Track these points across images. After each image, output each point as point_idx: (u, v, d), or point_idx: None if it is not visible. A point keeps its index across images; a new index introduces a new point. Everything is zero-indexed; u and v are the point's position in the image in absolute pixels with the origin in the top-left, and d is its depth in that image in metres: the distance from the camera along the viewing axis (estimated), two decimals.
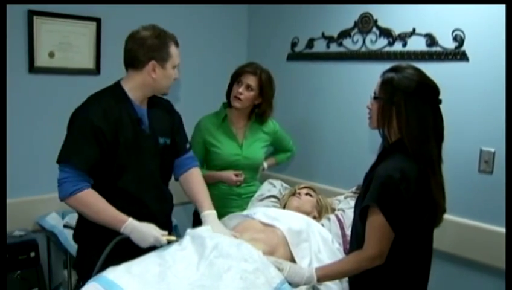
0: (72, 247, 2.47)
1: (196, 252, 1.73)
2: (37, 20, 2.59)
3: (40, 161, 2.67)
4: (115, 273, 1.57)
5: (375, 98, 1.72)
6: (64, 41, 2.72)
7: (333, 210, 2.52)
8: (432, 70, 1.75)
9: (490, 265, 2.35)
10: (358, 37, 2.87)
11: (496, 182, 2.32)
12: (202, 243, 1.74)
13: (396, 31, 2.67)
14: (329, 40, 3.02)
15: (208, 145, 2.60)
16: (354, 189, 2.61)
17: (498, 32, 2.23)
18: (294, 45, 3.25)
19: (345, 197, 2.60)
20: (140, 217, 1.87)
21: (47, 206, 2.69)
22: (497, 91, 2.27)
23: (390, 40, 2.70)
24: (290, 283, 1.69)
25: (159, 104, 2.09)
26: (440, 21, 2.47)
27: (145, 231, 1.84)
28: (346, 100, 2.94)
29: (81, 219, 2.00)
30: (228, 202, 2.62)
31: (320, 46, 3.09)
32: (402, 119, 1.64)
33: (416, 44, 2.58)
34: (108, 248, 1.79)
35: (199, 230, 1.87)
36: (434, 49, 2.51)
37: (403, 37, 2.64)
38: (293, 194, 2.57)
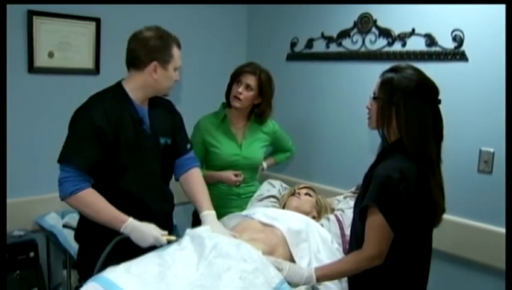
0: (72, 247, 2.47)
1: (195, 252, 1.73)
2: (37, 20, 2.59)
3: (39, 160, 2.67)
4: (115, 273, 1.57)
5: (374, 98, 1.72)
6: (63, 41, 2.72)
7: (332, 210, 2.52)
8: (431, 70, 1.75)
9: (489, 265, 2.35)
10: (357, 37, 2.87)
11: (495, 182, 2.32)
12: (201, 243, 1.74)
13: (396, 31, 2.67)
14: (329, 40, 3.02)
15: (207, 145, 2.60)
16: (353, 189, 2.62)
17: (497, 32, 2.23)
18: (293, 45, 3.25)
19: (345, 197, 2.60)
20: (141, 217, 1.88)
21: (46, 206, 2.70)
22: (496, 91, 2.27)
23: (390, 40, 2.70)
24: (289, 283, 1.69)
25: (160, 104, 2.09)
26: (439, 21, 2.48)
27: (145, 230, 1.84)
28: (346, 100, 2.94)
29: (82, 219, 2.00)
30: (227, 202, 2.62)
31: (319, 46, 3.09)
32: (401, 120, 1.64)
33: (416, 44, 2.58)
34: (108, 248, 1.79)
35: (198, 230, 1.87)
36: (433, 49, 2.51)
37: (403, 37, 2.64)
38: (293, 194, 2.57)
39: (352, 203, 2.22)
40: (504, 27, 2.13)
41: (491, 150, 2.34)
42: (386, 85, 1.68)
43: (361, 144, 2.83)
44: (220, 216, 2.15)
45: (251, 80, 2.54)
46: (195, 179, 2.17)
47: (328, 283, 1.86)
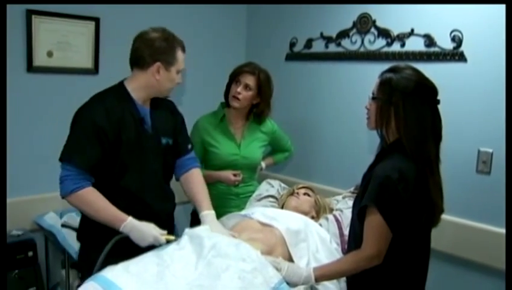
0: (70, 246, 2.48)
1: (194, 251, 1.73)
2: (36, 20, 2.59)
3: (38, 160, 2.67)
4: (113, 273, 1.57)
5: (373, 98, 1.72)
6: (62, 40, 2.72)
7: (331, 210, 2.52)
8: (430, 70, 1.75)
9: (488, 265, 2.36)
10: (356, 38, 2.87)
11: (493, 183, 2.32)
12: (200, 242, 1.74)
13: (395, 32, 2.67)
14: (328, 40, 3.02)
15: (206, 145, 2.60)
16: (352, 189, 2.62)
17: (496, 32, 2.23)
18: (292, 45, 3.25)
19: (343, 197, 2.60)
20: (142, 216, 1.88)
21: (45, 205, 2.70)
22: (495, 92, 2.27)
23: (389, 40, 2.70)
24: (288, 283, 1.69)
25: (162, 105, 2.10)
26: (438, 22, 2.48)
27: (144, 230, 1.85)
28: (345, 100, 2.95)
29: (84, 218, 2.01)
30: (226, 201, 2.62)
31: (318, 46, 3.10)
32: (400, 120, 1.64)
33: (415, 44, 2.59)
34: (108, 247, 1.80)
35: (197, 230, 1.87)
36: (432, 49, 2.51)
37: (402, 38, 2.64)
38: (291, 194, 2.57)
39: (351, 203, 2.23)
40: (503, 27, 2.13)
41: (490, 150, 2.34)
42: (385, 85, 1.68)
43: (360, 144, 2.83)
44: (218, 216, 2.15)
45: (250, 80, 2.54)
46: (195, 179, 2.17)
47: (326, 283, 1.86)
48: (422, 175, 1.64)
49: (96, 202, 1.86)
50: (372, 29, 2.78)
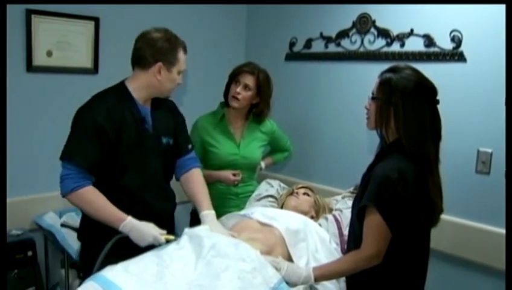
0: (70, 246, 2.48)
1: (194, 251, 1.73)
2: (35, 19, 2.59)
3: (37, 160, 2.67)
4: (113, 273, 1.57)
5: (373, 98, 1.72)
6: (62, 40, 2.71)
7: (331, 210, 2.52)
8: (429, 70, 1.75)
9: (487, 265, 2.36)
10: (356, 38, 2.87)
11: (492, 183, 2.33)
12: (200, 242, 1.74)
13: (395, 32, 2.68)
14: (328, 40, 3.02)
15: (205, 144, 2.60)
16: (351, 189, 2.62)
17: (496, 33, 2.24)
18: (292, 45, 3.25)
19: (343, 197, 2.60)
20: (143, 216, 1.89)
21: (44, 205, 2.70)
22: (494, 92, 2.27)
23: (388, 40, 2.70)
24: (287, 283, 1.69)
25: (163, 105, 2.10)
26: (438, 22, 2.48)
27: (143, 229, 1.85)
28: (344, 100, 2.95)
29: (85, 218, 2.02)
30: (226, 201, 2.62)
31: (318, 46, 3.10)
32: (400, 120, 1.64)
33: (414, 44, 2.59)
34: (107, 246, 1.80)
35: (197, 230, 1.87)
36: (432, 49, 2.52)
37: (401, 38, 2.64)
38: (291, 193, 2.57)
39: (350, 203, 2.23)
40: (502, 27, 2.12)
41: (489, 150, 2.34)
42: (385, 85, 1.68)
43: (360, 144, 2.83)
44: (218, 216, 2.15)
45: (249, 80, 2.54)
46: (195, 179, 2.18)
47: (326, 283, 1.87)
48: (422, 175, 1.64)
49: (96, 201, 1.86)
50: (372, 29, 2.78)
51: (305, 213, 2.39)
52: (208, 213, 2.06)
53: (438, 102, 1.69)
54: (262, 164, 2.81)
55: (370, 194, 1.63)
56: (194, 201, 2.16)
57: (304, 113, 3.21)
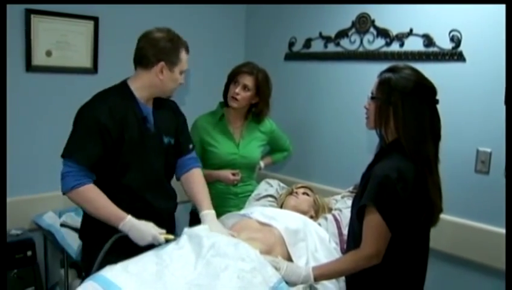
0: (69, 246, 2.48)
1: (193, 251, 1.73)
2: (35, 19, 2.59)
3: (37, 160, 2.67)
4: (112, 272, 1.57)
5: (372, 98, 1.73)
6: (61, 40, 2.71)
7: (330, 210, 2.52)
8: (429, 70, 1.75)
9: (486, 265, 2.36)
10: (355, 37, 2.87)
11: (492, 182, 2.33)
12: (199, 242, 1.74)
13: (394, 32, 2.68)
14: (327, 40, 3.03)
15: (204, 144, 2.60)
16: (351, 188, 2.62)
17: (495, 32, 2.24)
18: (291, 44, 3.25)
19: (342, 197, 2.60)
20: (144, 215, 1.89)
21: (44, 205, 2.70)
22: (493, 91, 2.28)
23: (388, 40, 2.70)
24: (287, 282, 1.69)
25: (164, 104, 2.11)
26: (437, 21, 2.48)
27: (143, 229, 1.85)
28: (344, 100, 2.95)
29: (86, 217, 2.02)
30: (225, 201, 2.62)
31: (317, 46, 3.10)
32: (399, 119, 1.64)
33: (414, 44, 2.59)
34: (107, 246, 1.81)
35: (196, 229, 1.87)
36: (431, 49, 2.52)
37: (400, 38, 2.64)
38: (290, 193, 2.57)
39: (349, 202, 2.23)
40: (502, 27, 2.12)
41: (488, 150, 2.34)
42: (384, 85, 1.68)
43: (359, 143, 2.83)
44: (218, 215, 2.15)
45: (248, 80, 2.54)
46: (196, 179, 2.18)
47: (325, 282, 1.87)
48: (421, 175, 1.64)
49: (96, 199, 1.87)
50: (371, 29, 2.78)
51: (304, 213, 2.39)
52: (208, 213, 2.06)
53: (437, 102, 1.70)
54: (262, 164, 2.81)
55: (369, 193, 1.63)
56: (194, 201, 2.16)
57: (303, 113, 3.21)
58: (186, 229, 1.87)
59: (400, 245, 1.67)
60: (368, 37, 2.80)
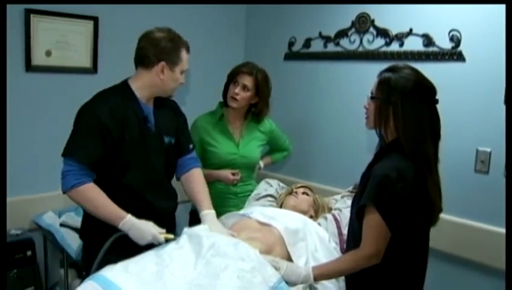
0: (69, 246, 2.48)
1: (193, 251, 1.73)
2: (34, 19, 2.58)
3: (36, 160, 2.67)
4: (112, 272, 1.57)
5: (372, 97, 1.73)
6: (61, 40, 2.71)
7: (330, 209, 2.52)
8: (428, 70, 1.75)
9: (486, 264, 2.36)
10: (355, 37, 2.87)
11: (492, 182, 2.33)
12: (199, 242, 1.75)
13: (393, 31, 2.68)
14: (327, 39, 3.03)
15: (204, 144, 2.60)
16: (350, 188, 2.62)
17: (494, 32, 2.24)
18: (291, 44, 3.25)
19: (342, 197, 2.60)
20: (144, 214, 1.90)
21: (44, 205, 2.70)
22: (493, 91, 2.28)
23: (387, 40, 2.70)
24: (286, 282, 1.69)
25: (165, 104, 2.12)
26: (437, 21, 2.48)
27: (143, 228, 1.85)
28: (343, 100, 2.95)
29: (86, 216, 2.02)
30: (225, 201, 2.62)
31: (317, 46, 3.10)
32: (399, 119, 1.64)
33: (413, 44, 2.59)
34: (106, 245, 1.81)
35: (196, 229, 1.87)
36: (431, 49, 2.52)
37: (400, 37, 2.65)
38: (290, 193, 2.57)
39: (349, 202, 2.23)
40: (501, 27, 2.13)
41: (488, 149, 2.35)
42: (384, 85, 1.68)
43: (359, 143, 2.83)
44: (217, 215, 2.15)
45: (248, 81, 2.54)
46: (196, 179, 2.18)
47: (325, 282, 1.87)
48: (421, 174, 1.64)
49: (97, 198, 1.87)
50: (371, 29, 2.78)
51: (304, 212, 2.39)
52: (208, 213, 2.06)
53: (437, 101, 1.70)
54: (261, 164, 2.82)
55: (369, 193, 1.63)
56: (194, 201, 2.17)
57: (303, 112, 3.21)
58: (186, 229, 1.87)
59: (400, 245, 1.67)
60: (368, 36, 2.80)
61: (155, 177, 2.05)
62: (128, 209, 1.87)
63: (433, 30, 2.50)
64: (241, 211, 2.34)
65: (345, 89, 2.94)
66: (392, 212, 1.61)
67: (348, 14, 2.87)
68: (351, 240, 1.80)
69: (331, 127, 3.06)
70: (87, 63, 2.83)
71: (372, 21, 2.77)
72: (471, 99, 2.38)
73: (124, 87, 1.98)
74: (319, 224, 2.31)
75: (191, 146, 2.23)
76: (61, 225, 2.59)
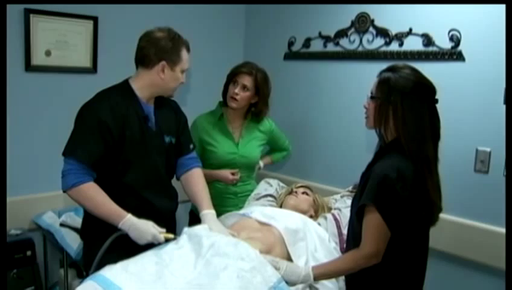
0: (69, 246, 2.48)
1: (193, 250, 1.73)
2: (34, 19, 2.58)
3: (36, 159, 2.67)
4: (112, 272, 1.57)
5: (371, 97, 1.73)
6: (61, 39, 2.71)
7: (330, 209, 2.52)
8: (428, 70, 1.75)
9: (486, 264, 2.36)
10: (355, 37, 2.87)
11: (491, 182, 2.33)
12: (199, 241, 1.75)
13: (393, 31, 2.68)
14: (326, 39, 3.03)
15: (204, 144, 2.60)
16: (350, 188, 2.62)
17: (494, 32, 2.24)
18: (291, 44, 3.25)
19: (342, 196, 2.60)
20: (145, 214, 1.90)
21: (43, 205, 2.70)
22: (493, 91, 2.28)
23: (387, 39, 2.70)
24: (286, 282, 1.69)
25: (166, 104, 2.12)
26: (436, 21, 2.48)
27: (143, 228, 1.86)
28: (343, 99, 2.95)
29: (87, 216, 2.03)
30: (224, 200, 2.62)
31: (317, 46, 3.10)
32: (398, 119, 1.64)
33: (413, 44, 2.59)
34: (106, 243, 1.81)
35: (196, 229, 1.87)
36: (430, 49, 2.52)
37: (400, 37, 2.65)
38: (290, 193, 2.57)
39: (349, 202, 2.23)
40: (501, 27, 2.13)
41: (488, 149, 2.35)
42: (384, 84, 1.68)
43: (359, 143, 2.83)
44: (217, 215, 2.15)
45: (247, 81, 2.54)
46: (196, 179, 2.18)
47: (325, 282, 1.87)
48: (421, 174, 1.64)
49: (97, 197, 1.87)
50: (371, 29, 2.78)
51: (304, 212, 2.39)
52: (208, 212, 2.06)
53: (436, 101, 1.70)
54: (261, 163, 2.81)
55: (369, 193, 1.63)
56: (194, 200, 2.17)
57: (303, 112, 3.22)
58: (186, 229, 1.87)
59: (400, 245, 1.67)
60: (367, 36, 2.80)
61: (156, 177, 2.05)
62: (128, 209, 1.88)
63: (433, 30, 2.50)
64: (241, 211, 2.34)
65: (344, 88, 2.94)
66: (391, 212, 1.61)
67: (348, 14, 2.88)
68: (351, 239, 1.80)
69: (331, 127, 3.06)
70: (86, 62, 2.83)
71: (372, 21, 2.77)
72: (471, 99, 2.39)
73: (124, 87, 1.98)
74: (319, 224, 2.31)
75: (191, 146, 2.23)
76: (61, 224, 2.59)
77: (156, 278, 1.58)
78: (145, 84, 1.97)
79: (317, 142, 3.15)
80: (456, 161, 2.39)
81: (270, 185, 2.71)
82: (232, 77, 2.57)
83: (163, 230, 1.91)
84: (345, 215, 2.30)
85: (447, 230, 2.39)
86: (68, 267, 2.62)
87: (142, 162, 1.98)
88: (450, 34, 2.43)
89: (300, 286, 1.75)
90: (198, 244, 1.74)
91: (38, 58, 2.64)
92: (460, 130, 2.40)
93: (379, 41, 2.75)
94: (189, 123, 2.58)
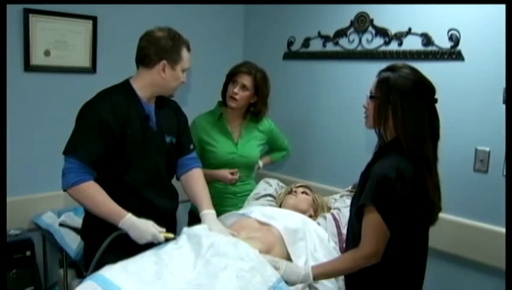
0: (68, 246, 2.48)
1: (192, 250, 1.73)
2: (33, 19, 2.58)
3: (35, 159, 2.67)
4: (111, 272, 1.57)
5: (371, 97, 1.73)
6: (60, 39, 2.71)
7: (329, 209, 2.53)
8: (427, 69, 1.75)
9: (485, 264, 2.36)
10: (354, 37, 2.87)
11: (491, 181, 2.33)
12: (198, 241, 1.75)
13: (392, 31, 2.68)
14: (326, 39, 3.03)
15: (203, 143, 2.60)
16: (349, 188, 2.62)
17: (494, 32, 2.24)
18: (290, 44, 3.25)
19: (341, 196, 2.60)
20: (145, 213, 1.90)
21: (43, 205, 2.70)
22: (492, 90, 2.28)
23: (386, 39, 2.70)
24: (286, 282, 1.69)
25: (166, 104, 2.13)
26: (436, 21, 2.48)
27: (143, 227, 1.86)
28: (342, 99, 2.95)
29: (87, 216, 2.03)
30: (224, 200, 2.62)
31: (316, 45, 3.10)
32: (398, 119, 1.64)
33: (412, 43, 2.59)
34: (106, 242, 1.81)
35: (196, 229, 1.87)
36: (430, 48, 2.52)
37: (399, 37, 2.65)
38: (289, 192, 2.57)
39: (348, 201, 2.23)
40: (500, 26, 2.13)
41: (487, 149, 2.35)
42: (383, 84, 1.68)
43: (358, 142, 2.83)
44: (216, 215, 2.15)
45: (246, 80, 2.54)
46: (196, 179, 2.19)
47: (324, 282, 1.87)
48: (420, 174, 1.64)
49: (97, 196, 1.87)
50: (370, 28, 2.78)
51: (303, 212, 2.39)
52: (208, 212, 2.06)
53: (436, 101, 1.70)
54: (260, 163, 2.81)
55: (368, 192, 1.63)
56: (194, 200, 2.17)
57: (302, 112, 3.21)
58: (185, 229, 1.87)
59: (399, 244, 1.67)
60: (367, 36, 2.80)
61: (156, 176, 2.05)
62: (129, 208, 1.88)
63: (432, 29, 2.50)
64: (241, 211, 2.34)
65: (344, 88, 2.94)
66: (391, 212, 1.61)
67: (347, 13, 2.87)
68: (350, 239, 1.80)
69: (330, 127, 3.06)
70: (86, 62, 2.83)
71: (371, 20, 2.77)
72: (470, 99, 2.39)
73: (125, 86, 1.99)
74: (318, 223, 2.31)
75: (191, 146, 2.23)
76: (61, 224, 2.59)
77: (155, 278, 1.58)
78: (146, 84, 1.98)
79: (316, 141, 3.15)
80: (456, 161, 2.40)
81: (269, 185, 2.71)
82: (232, 77, 2.57)
83: (163, 230, 1.91)
84: (345, 215, 2.30)
85: (447, 230, 2.39)
86: (67, 267, 2.62)
87: (143, 161, 1.98)
88: (450, 33, 2.43)
89: (299, 286, 1.75)
90: (198, 244, 1.74)
91: (37, 58, 2.64)
92: (459, 129, 2.40)
93: (378, 41, 2.75)
94: (189, 123, 2.59)
